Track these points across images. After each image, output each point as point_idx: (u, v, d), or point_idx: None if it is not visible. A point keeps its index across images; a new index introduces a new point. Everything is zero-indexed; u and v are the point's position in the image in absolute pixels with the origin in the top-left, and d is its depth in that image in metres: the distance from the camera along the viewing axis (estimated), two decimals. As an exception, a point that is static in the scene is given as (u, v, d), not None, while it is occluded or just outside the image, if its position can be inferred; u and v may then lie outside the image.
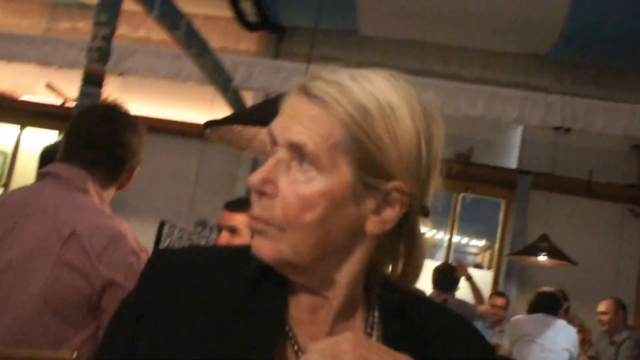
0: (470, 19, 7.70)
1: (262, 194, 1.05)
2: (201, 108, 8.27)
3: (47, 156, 3.40)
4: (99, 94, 3.52)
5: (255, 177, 1.05)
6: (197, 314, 1.07)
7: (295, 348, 1.08)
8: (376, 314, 1.16)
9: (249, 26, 8.62)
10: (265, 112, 2.52)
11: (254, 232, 1.07)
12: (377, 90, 1.04)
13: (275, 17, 8.56)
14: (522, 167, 8.65)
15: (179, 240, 6.83)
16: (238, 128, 2.80)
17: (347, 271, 1.09)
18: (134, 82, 7.17)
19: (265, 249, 1.05)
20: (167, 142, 8.27)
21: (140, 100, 2.33)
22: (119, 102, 2.49)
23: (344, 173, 1.02)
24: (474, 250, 14.44)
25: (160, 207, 8.16)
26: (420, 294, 1.32)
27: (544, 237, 7.13)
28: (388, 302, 1.16)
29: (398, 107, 1.04)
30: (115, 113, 2.44)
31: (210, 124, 2.67)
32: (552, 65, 8.50)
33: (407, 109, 1.05)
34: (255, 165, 8.60)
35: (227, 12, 8.37)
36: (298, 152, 1.02)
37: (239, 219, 3.11)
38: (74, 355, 1.96)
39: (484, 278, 9.00)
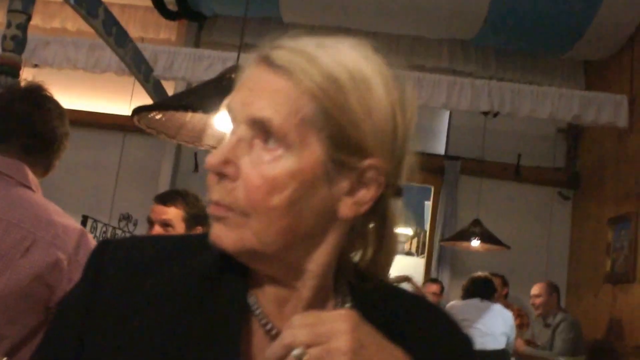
0: (394, 5, 7.68)
1: (222, 176, 0.95)
2: (121, 99, 8.08)
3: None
4: (15, 85, 3.36)
5: (214, 158, 0.94)
6: (150, 307, 0.97)
7: (268, 327, 1.00)
8: (348, 304, 1.07)
9: (169, 15, 8.43)
10: (196, 97, 2.44)
11: (213, 219, 0.97)
12: (347, 59, 0.97)
13: (196, 5, 8.39)
14: (450, 153, 8.69)
15: (103, 236, 6.71)
16: (167, 115, 2.69)
17: (318, 259, 1.00)
18: (50, 73, 6.93)
19: (227, 237, 0.95)
20: (87, 135, 7.98)
21: (56, 93, 2.22)
22: (43, 85, 2.33)
23: (314, 151, 0.93)
24: (402, 238, 14.58)
25: (82, 202, 7.92)
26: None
27: (476, 222, 7.19)
28: (360, 291, 1.09)
29: (370, 77, 0.96)
30: (45, 98, 2.28)
31: (139, 110, 2.56)
32: (478, 50, 8.53)
33: (379, 79, 0.97)
34: (178, 157, 8.45)
35: (145, 1, 8.18)
36: (262, 129, 0.93)
37: (171, 213, 3.03)
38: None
39: (416, 265, 9.04)
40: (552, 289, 6.88)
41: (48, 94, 2.30)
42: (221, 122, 2.65)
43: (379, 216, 1.05)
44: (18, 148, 2.16)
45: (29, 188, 2.13)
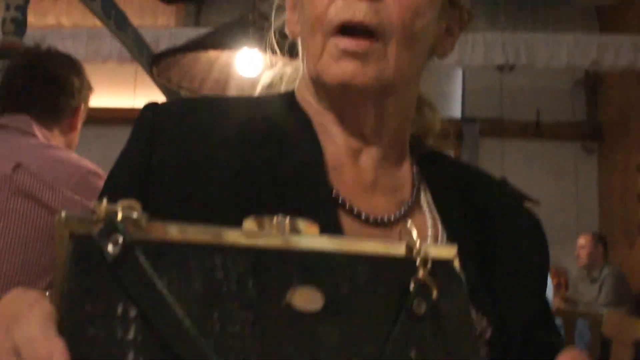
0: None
1: None
2: (124, 91, 8.10)
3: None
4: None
5: None
6: (217, 160, 0.91)
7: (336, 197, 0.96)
8: (415, 166, 1.08)
9: (166, -2, 8.44)
10: (222, 35, 2.47)
11: (344, 55, 0.90)
12: None
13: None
14: (467, 116, 8.67)
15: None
16: (188, 66, 2.73)
17: (410, 100, 1.02)
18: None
19: (365, 73, 0.90)
20: (93, 132, 7.99)
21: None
22: (52, 47, 2.50)
23: None
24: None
25: (94, 203, 7.92)
26: None
27: (503, 181, 7.18)
28: (421, 155, 1.11)
29: None
30: (46, 54, 2.45)
31: (161, 56, 2.59)
32: (485, 4, 8.51)
33: None
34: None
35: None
36: None
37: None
38: None
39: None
40: (598, 240, 6.91)
41: (54, 51, 2.47)
42: (246, 65, 2.69)
43: None
44: (21, 103, 2.33)
45: (32, 136, 2.26)
